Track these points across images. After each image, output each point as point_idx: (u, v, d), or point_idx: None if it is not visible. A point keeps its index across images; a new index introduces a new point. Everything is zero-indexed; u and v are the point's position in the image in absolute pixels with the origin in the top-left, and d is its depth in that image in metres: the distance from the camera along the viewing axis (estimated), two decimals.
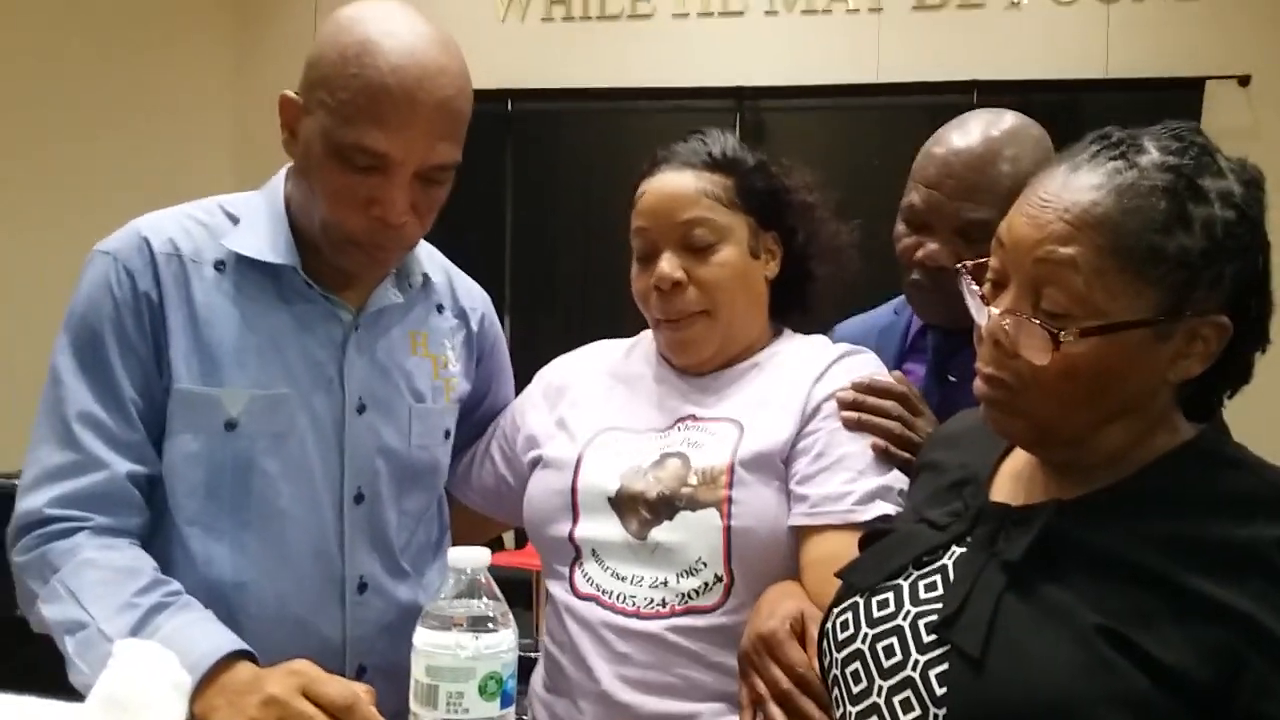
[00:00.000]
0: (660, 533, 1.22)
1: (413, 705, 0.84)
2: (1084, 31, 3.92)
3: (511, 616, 0.86)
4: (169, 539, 1.23)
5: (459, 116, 1.22)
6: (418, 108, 1.17)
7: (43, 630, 1.16)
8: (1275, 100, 3.83)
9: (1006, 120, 1.43)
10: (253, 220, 1.29)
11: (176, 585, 1.17)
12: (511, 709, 0.85)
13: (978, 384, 0.95)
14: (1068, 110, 3.76)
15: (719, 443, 1.25)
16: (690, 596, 1.20)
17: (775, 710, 1.04)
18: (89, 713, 0.98)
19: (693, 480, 1.23)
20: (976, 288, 0.95)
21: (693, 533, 1.21)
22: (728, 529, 1.20)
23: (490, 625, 0.84)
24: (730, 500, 1.21)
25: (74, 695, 1.09)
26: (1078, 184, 0.88)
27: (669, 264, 1.29)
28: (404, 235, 1.25)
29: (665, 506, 1.22)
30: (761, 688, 1.06)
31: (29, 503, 1.19)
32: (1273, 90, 3.82)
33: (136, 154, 4.05)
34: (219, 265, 1.26)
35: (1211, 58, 3.82)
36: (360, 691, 1.02)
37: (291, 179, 1.31)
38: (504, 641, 0.84)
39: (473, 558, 0.85)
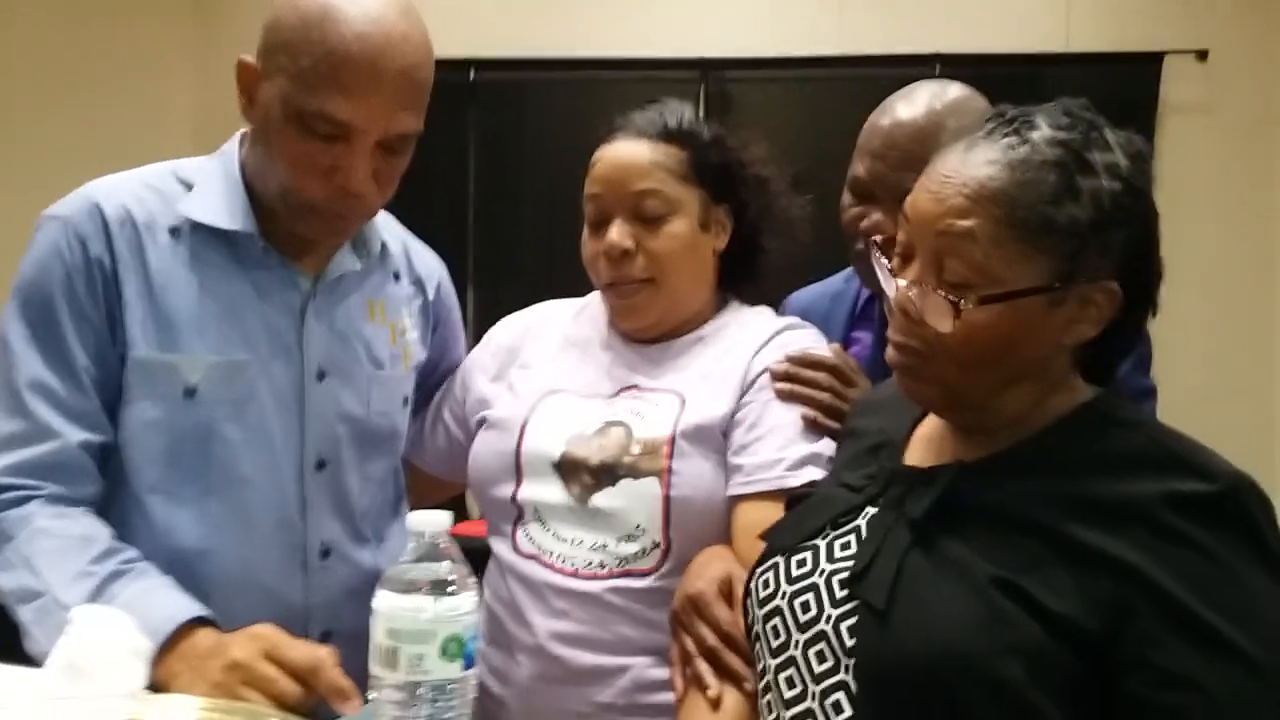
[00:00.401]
0: (602, 498, 1.25)
1: (373, 668, 0.84)
2: (1045, 5, 3.94)
3: (473, 580, 0.87)
4: (129, 507, 1.22)
5: (422, 85, 1.22)
6: (381, 76, 1.16)
7: None
8: (1232, 75, 3.87)
9: (951, 92, 1.45)
10: (207, 186, 1.28)
11: (133, 552, 1.16)
12: (474, 670, 0.86)
13: (889, 351, 1.00)
14: (1029, 83, 3.79)
15: (661, 414, 1.28)
16: (628, 560, 1.24)
17: (702, 665, 1.10)
18: (48, 679, 0.98)
19: (635, 449, 1.26)
20: (885, 261, 1.00)
21: (633, 500, 1.24)
22: (667, 498, 1.24)
23: (450, 589, 0.84)
24: (670, 470, 1.24)
25: (30, 663, 1.08)
26: (975, 160, 0.93)
27: (619, 232, 1.30)
28: (364, 204, 1.24)
29: (607, 473, 1.26)
30: (690, 645, 1.12)
31: None
32: (1230, 65, 3.86)
33: (95, 124, 3.97)
34: (174, 231, 1.25)
35: (1170, 32, 3.86)
36: (324, 654, 1.03)
37: (248, 144, 1.30)
38: (464, 604, 0.84)
39: (432, 521, 0.86)
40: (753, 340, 1.33)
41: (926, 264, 0.95)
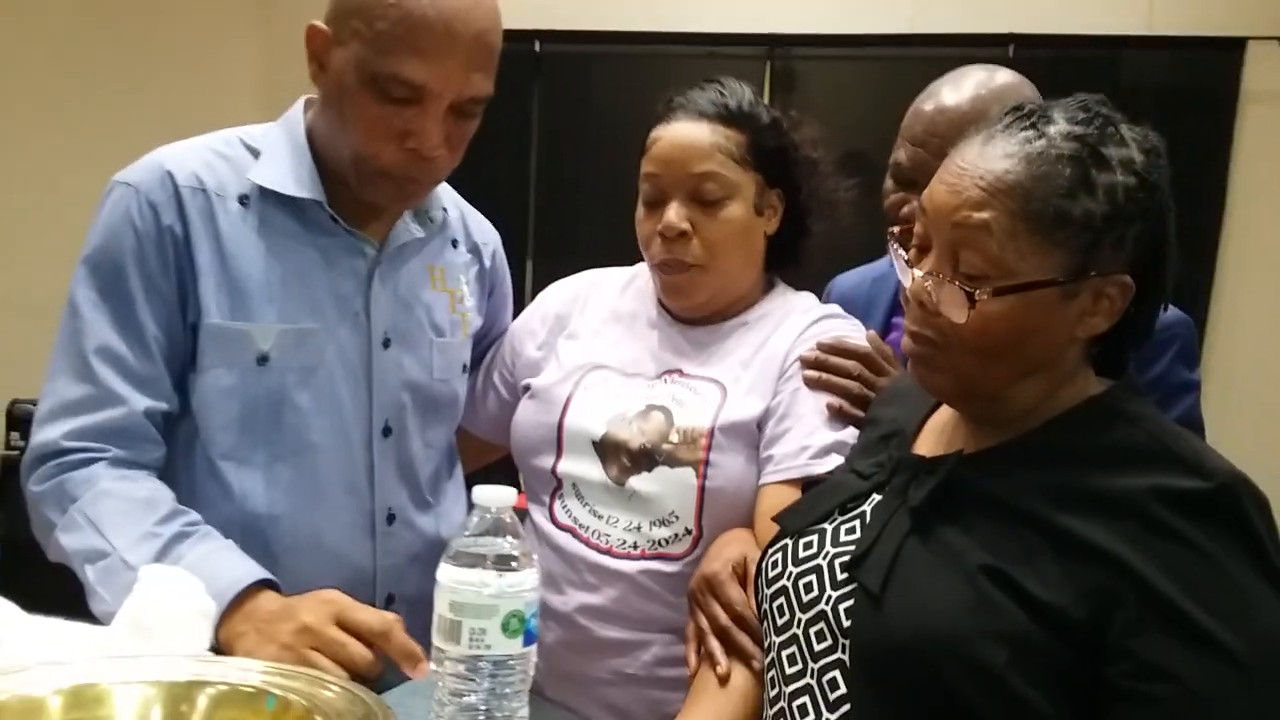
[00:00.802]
0: (638, 481, 1.28)
1: (436, 640, 0.84)
2: None
3: (535, 556, 0.86)
4: (202, 474, 1.24)
5: (493, 49, 1.22)
6: (456, 38, 1.17)
7: (59, 559, 1.17)
8: None
9: (999, 79, 1.44)
10: (274, 153, 1.28)
11: (195, 515, 1.18)
12: (534, 648, 0.85)
13: (905, 341, 1.02)
14: (1107, 67, 3.69)
15: (702, 403, 1.30)
16: (661, 544, 1.27)
17: (714, 643, 1.14)
18: (115, 636, 1.00)
19: (674, 438, 1.28)
20: (903, 252, 1.01)
21: (669, 487, 1.27)
22: (702, 488, 1.26)
23: (514, 564, 0.84)
24: (707, 463, 1.26)
25: (95, 621, 1.10)
26: (991, 153, 0.95)
27: (676, 214, 1.30)
28: (436, 168, 1.25)
29: (646, 458, 1.28)
30: (704, 623, 1.16)
31: (45, 434, 1.20)
32: None
33: (162, 92, 4.02)
34: (243, 199, 1.26)
35: (1255, 18, 3.73)
36: (392, 619, 1.04)
37: (315, 111, 1.30)
38: (527, 580, 0.84)
39: (498, 496, 0.85)
40: (791, 330, 1.34)
41: (943, 255, 0.96)
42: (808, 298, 1.43)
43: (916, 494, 1.00)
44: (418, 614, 1.10)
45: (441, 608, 0.84)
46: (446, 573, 0.84)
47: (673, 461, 1.27)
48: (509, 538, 0.85)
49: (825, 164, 1.40)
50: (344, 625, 1.03)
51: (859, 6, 3.99)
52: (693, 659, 1.15)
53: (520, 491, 1.26)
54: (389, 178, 1.23)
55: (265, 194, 1.26)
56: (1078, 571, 0.88)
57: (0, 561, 0.95)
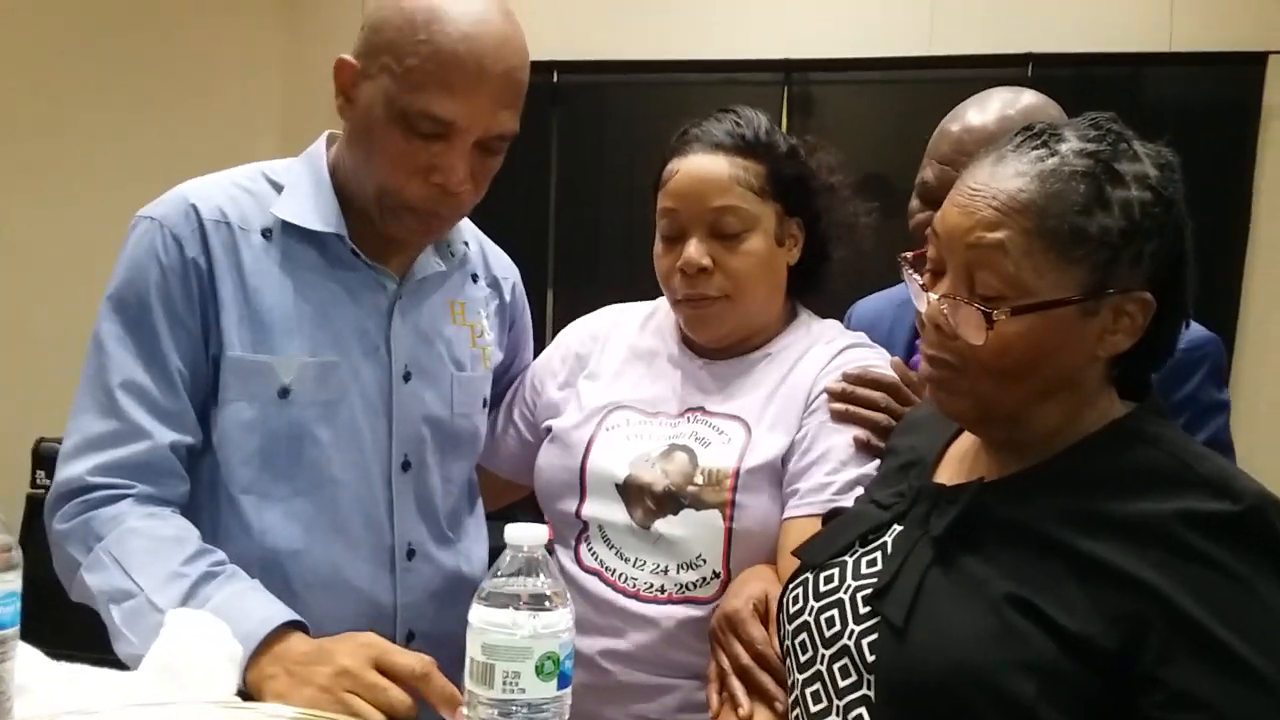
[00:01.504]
0: (664, 525, 1.26)
1: (468, 684, 0.82)
2: (1148, 2, 3.81)
3: (568, 595, 0.84)
4: (222, 508, 1.23)
5: (521, 86, 1.22)
6: (485, 76, 1.17)
7: (82, 599, 1.16)
8: None
9: (1024, 99, 1.44)
10: (297, 187, 1.28)
11: (222, 555, 1.17)
12: (568, 690, 0.83)
13: (922, 366, 1.01)
14: (1129, 85, 3.67)
15: (726, 444, 1.28)
16: (688, 588, 1.25)
17: (735, 683, 1.11)
18: (142, 682, 0.98)
19: (699, 479, 1.26)
20: (918, 277, 1.00)
21: (695, 530, 1.25)
22: (729, 530, 1.24)
23: (547, 604, 0.82)
24: (734, 504, 1.24)
25: (113, 660, 1.08)
26: (1003, 173, 0.94)
27: (696, 250, 1.29)
28: (460, 203, 1.24)
29: (671, 501, 1.26)
30: (725, 663, 1.14)
31: (70, 470, 1.19)
32: None
33: (185, 129, 4.06)
34: (266, 233, 1.26)
35: (1276, 32, 3.70)
36: (430, 662, 1.02)
37: (340, 144, 1.30)
38: (561, 621, 0.82)
39: (530, 535, 0.84)
40: (816, 361, 1.32)
41: (958, 277, 0.96)
42: (832, 326, 1.41)
43: (938, 523, 0.98)
44: (439, 651, 1.09)
45: (474, 650, 0.82)
46: (479, 614, 0.82)
47: (698, 504, 1.25)
48: (542, 576, 0.83)
49: (844, 188, 1.39)
50: (382, 669, 1.01)
51: (876, 29, 3.98)
52: (714, 700, 1.13)
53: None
54: (413, 212, 1.23)
55: (287, 228, 1.26)
56: (1105, 599, 0.87)
57: (27, 601, 0.94)
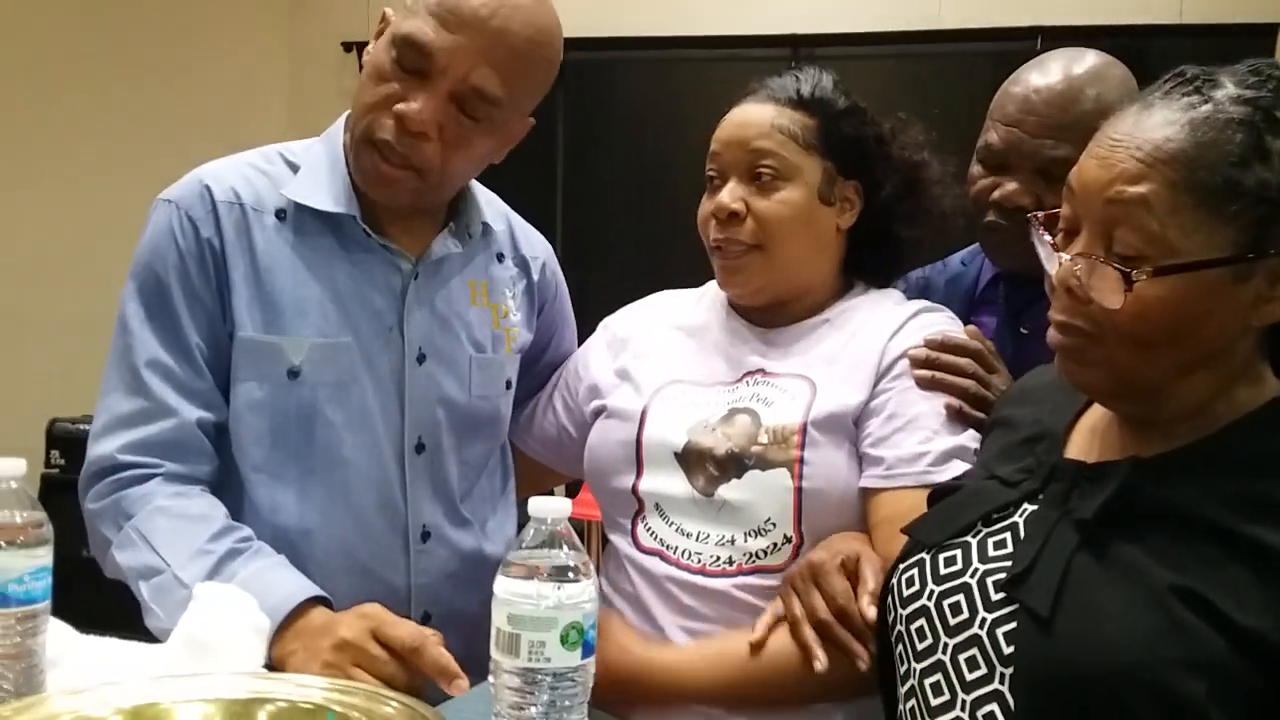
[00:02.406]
0: (728, 490, 1.20)
1: (494, 653, 0.84)
2: None
3: (592, 567, 0.85)
4: (235, 487, 1.24)
5: (518, 55, 1.22)
6: (480, 23, 1.18)
7: (115, 576, 1.19)
8: None
9: (1089, 59, 1.39)
10: (313, 169, 1.29)
11: (248, 531, 1.19)
12: (592, 659, 0.85)
13: (1051, 333, 0.92)
14: (1137, 57, 3.63)
15: (790, 400, 1.23)
16: (758, 556, 1.19)
17: (808, 632, 1.06)
18: (170, 654, 1.00)
19: (763, 438, 1.20)
20: (1049, 237, 0.92)
21: (762, 492, 1.19)
22: (799, 490, 1.18)
23: (572, 575, 0.83)
24: (802, 461, 1.18)
25: (145, 636, 1.10)
26: (1150, 122, 0.86)
27: (729, 194, 1.26)
28: (422, 151, 1.21)
29: (734, 464, 1.20)
30: (798, 610, 1.08)
31: (100, 449, 1.21)
32: None
33: (192, 105, 4.06)
34: (280, 214, 1.26)
35: None
36: (429, 634, 1.03)
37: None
38: (585, 592, 0.83)
39: (554, 507, 0.85)
40: (886, 323, 1.27)
41: (1094, 236, 0.87)
42: (893, 293, 1.36)
43: (1084, 504, 0.90)
44: (455, 631, 1.10)
45: (499, 620, 0.83)
46: (503, 585, 0.83)
47: (764, 464, 1.19)
48: (566, 548, 0.84)
49: (929, 169, 1.33)
50: (381, 639, 1.03)
51: (883, 3, 3.97)
52: (761, 628, 1.10)
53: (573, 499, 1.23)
54: (372, 145, 1.22)
55: (301, 209, 1.27)
56: (1279, 592, 0.80)
57: (54, 581, 0.96)
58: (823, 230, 1.30)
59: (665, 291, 1.48)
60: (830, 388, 1.23)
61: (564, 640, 0.82)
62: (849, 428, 1.21)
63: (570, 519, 0.86)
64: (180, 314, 1.22)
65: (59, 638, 1.01)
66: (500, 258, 1.42)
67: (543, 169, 4.19)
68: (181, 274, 1.23)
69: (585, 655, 0.84)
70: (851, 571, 1.09)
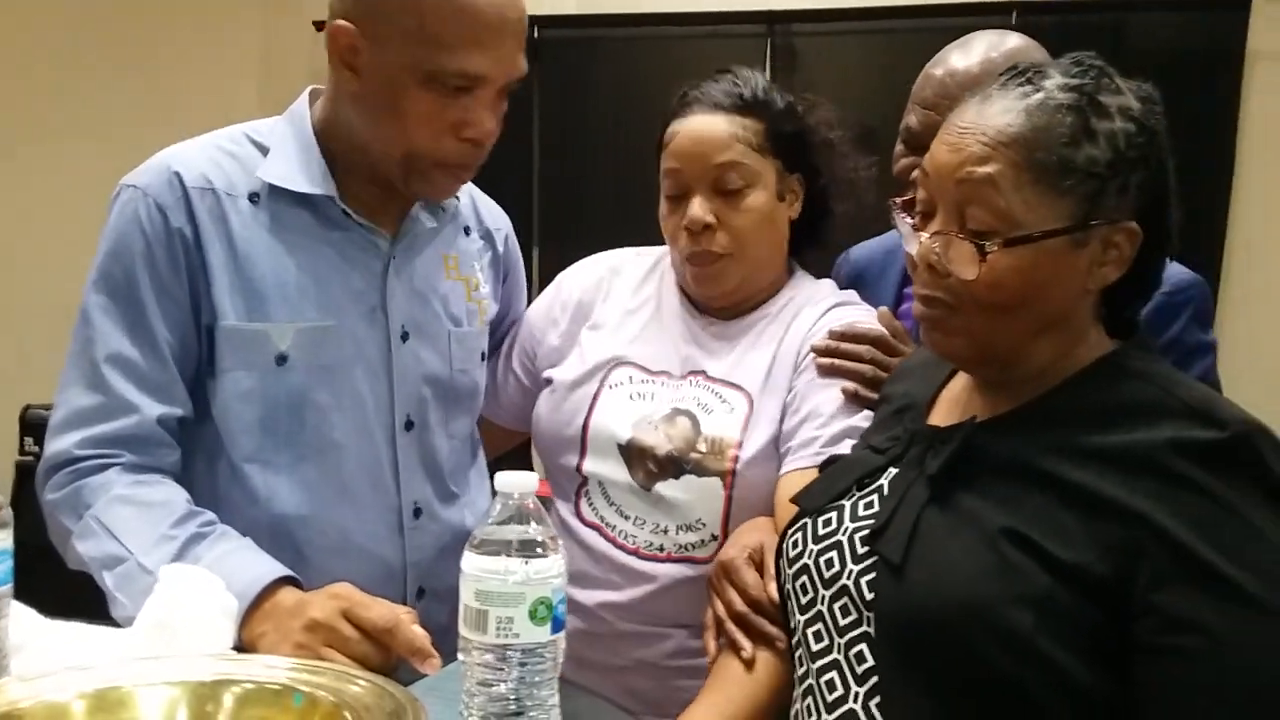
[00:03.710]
0: (665, 488, 1.29)
1: (462, 629, 0.83)
2: None
3: (560, 542, 0.85)
4: (226, 478, 1.23)
5: (526, 28, 1.23)
6: (506, 25, 1.18)
7: (78, 566, 1.17)
8: None
9: (1009, 42, 1.43)
10: (283, 149, 1.26)
11: (211, 515, 1.17)
12: (562, 634, 0.84)
13: (915, 306, 1.01)
14: (1112, 32, 3.65)
15: (729, 414, 1.30)
16: (687, 548, 1.29)
17: (732, 628, 1.14)
18: (137, 638, 0.99)
19: (701, 447, 1.28)
20: (909, 219, 1.01)
21: (696, 495, 1.28)
22: (729, 498, 1.27)
23: (539, 550, 0.82)
24: (735, 474, 1.27)
25: (115, 623, 1.09)
26: (990, 110, 0.96)
27: (700, 208, 1.30)
28: (485, 152, 1.25)
29: (673, 465, 1.28)
30: (721, 610, 1.16)
31: (58, 444, 1.19)
32: None
33: (165, 86, 4.02)
34: (253, 197, 1.24)
35: None
36: (401, 613, 1.02)
37: (329, 106, 1.28)
38: (553, 567, 0.83)
39: (521, 482, 0.84)
40: (806, 323, 1.34)
41: (949, 215, 0.96)
42: (825, 285, 1.43)
43: (933, 463, 1.00)
44: (448, 607, 1.09)
45: (467, 597, 0.82)
46: (471, 561, 0.82)
47: (700, 470, 1.28)
48: (533, 524, 0.83)
49: (843, 144, 1.40)
50: (352, 620, 1.02)
51: None
52: (711, 646, 1.16)
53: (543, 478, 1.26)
54: (445, 168, 1.24)
55: (275, 191, 1.24)
56: (1098, 529, 0.88)
57: (17, 566, 0.95)
58: (780, 226, 1.37)
59: (620, 250, 1.50)
60: (764, 405, 1.30)
61: (533, 616, 0.81)
62: (777, 437, 1.29)
63: (541, 496, 0.86)
64: (147, 305, 1.20)
65: (23, 623, 1.00)
66: (467, 230, 1.42)
67: (519, 148, 4.16)
68: (149, 263, 1.20)
69: (555, 630, 0.83)
70: (759, 563, 1.17)
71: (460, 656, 0.84)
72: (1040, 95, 0.94)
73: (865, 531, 1.01)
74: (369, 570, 1.21)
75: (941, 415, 1.08)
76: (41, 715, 0.81)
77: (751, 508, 1.26)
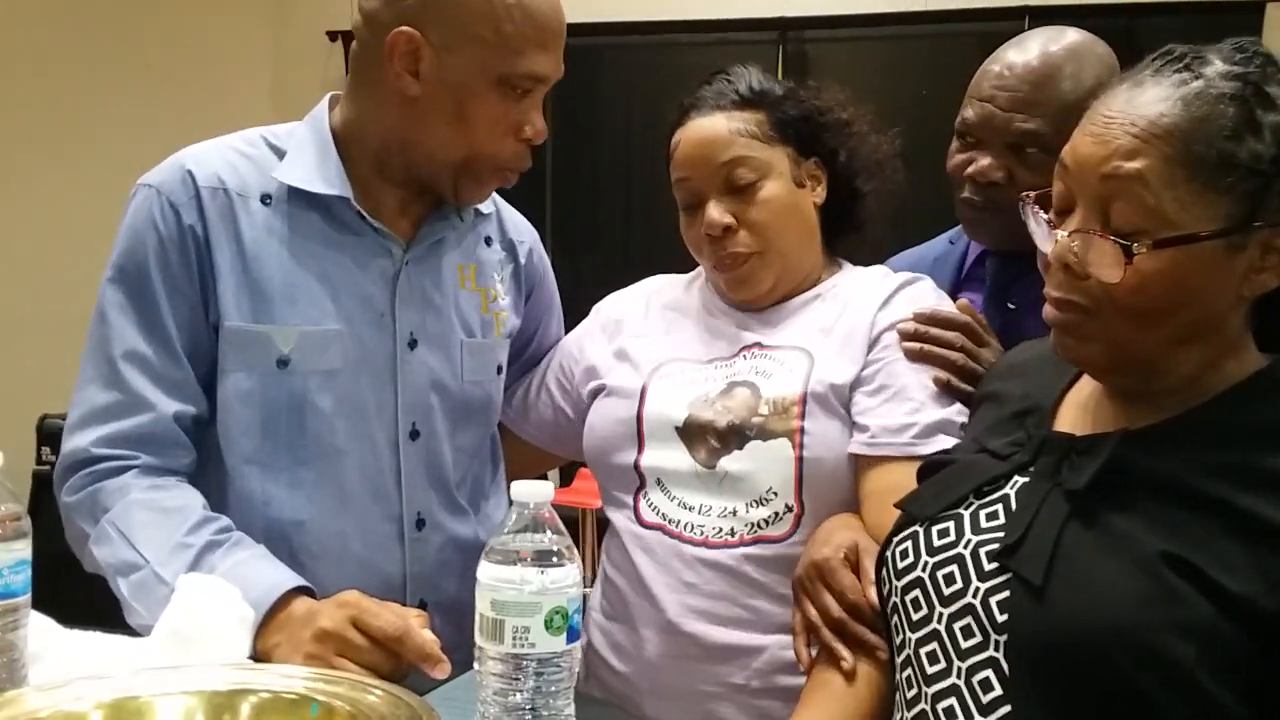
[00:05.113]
0: (730, 462, 1.21)
1: (478, 639, 0.83)
2: None
3: (576, 551, 0.85)
4: (224, 479, 1.23)
5: None
6: (561, 28, 1.24)
7: (94, 570, 1.17)
8: None
9: (1069, 36, 1.39)
10: (300, 152, 1.27)
11: (226, 521, 1.17)
12: (578, 644, 0.84)
13: (1048, 310, 0.93)
14: (1125, 36, 3.64)
15: (789, 372, 1.24)
16: (760, 526, 1.20)
17: (828, 635, 1.06)
18: (154, 647, 0.99)
19: (764, 410, 1.22)
20: (1043, 214, 0.93)
21: (763, 462, 1.20)
22: (800, 459, 1.19)
23: (555, 560, 0.82)
24: (803, 431, 1.20)
25: (133, 631, 1.09)
26: (1142, 99, 0.87)
27: (716, 210, 1.27)
28: (530, 154, 1.28)
29: (735, 435, 1.21)
30: (814, 614, 1.08)
31: (75, 442, 1.19)
32: None
33: (178, 95, 4.04)
34: (265, 199, 1.24)
35: None
36: (411, 617, 1.02)
37: (350, 109, 1.28)
38: (569, 576, 0.82)
39: (536, 491, 0.84)
40: (873, 296, 1.28)
41: (1090, 212, 0.89)
42: (879, 268, 1.38)
43: (1074, 476, 0.91)
44: (452, 620, 1.09)
45: (483, 606, 0.82)
46: (487, 571, 0.82)
47: (765, 434, 1.20)
48: (549, 533, 0.83)
49: (860, 122, 1.35)
50: (361, 629, 1.01)
51: None
52: (803, 652, 1.09)
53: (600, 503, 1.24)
54: (500, 171, 1.27)
55: (290, 193, 1.24)
56: (1267, 559, 0.81)
57: (36, 574, 0.95)
58: (805, 213, 1.32)
59: (656, 276, 1.48)
60: (826, 358, 1.24)
61: (548, 625, 0.81)
62: (845, 396, 1.22)
63: (563, 507, 0.85)
64: (160, 303, 1.20)
65: (41, 632, 1.00)
66: (488, 241, 1.41)
67: (531, 155, 4.17)
68: (162, 261, 1.20)
69: (570, 640, 0.83)
70: (853, 563, 1.09)
71: (475, 666, 0.84)
72: (1200, 83, 0.86)
73: (993, 546, 0.92)
74: (367, 580, 1.19)
75: (1070, 422, 0.99)
76: None
77: (824, 470, 1.19)
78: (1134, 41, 3.71)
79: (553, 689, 0.82)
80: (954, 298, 1.36)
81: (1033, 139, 1.33)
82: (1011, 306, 1.43)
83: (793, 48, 4.00)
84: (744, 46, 3.95)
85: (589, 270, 4.26)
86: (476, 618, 0.83)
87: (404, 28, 1.19)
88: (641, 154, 3.98)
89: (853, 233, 1.38)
